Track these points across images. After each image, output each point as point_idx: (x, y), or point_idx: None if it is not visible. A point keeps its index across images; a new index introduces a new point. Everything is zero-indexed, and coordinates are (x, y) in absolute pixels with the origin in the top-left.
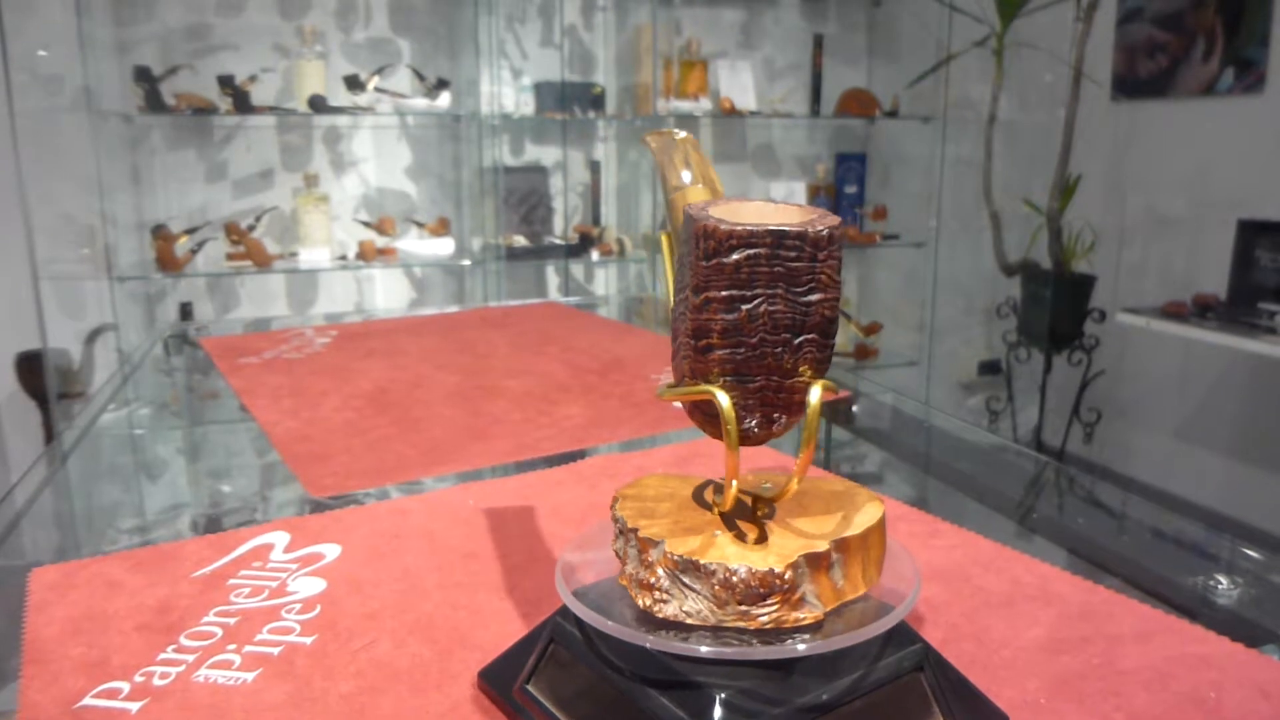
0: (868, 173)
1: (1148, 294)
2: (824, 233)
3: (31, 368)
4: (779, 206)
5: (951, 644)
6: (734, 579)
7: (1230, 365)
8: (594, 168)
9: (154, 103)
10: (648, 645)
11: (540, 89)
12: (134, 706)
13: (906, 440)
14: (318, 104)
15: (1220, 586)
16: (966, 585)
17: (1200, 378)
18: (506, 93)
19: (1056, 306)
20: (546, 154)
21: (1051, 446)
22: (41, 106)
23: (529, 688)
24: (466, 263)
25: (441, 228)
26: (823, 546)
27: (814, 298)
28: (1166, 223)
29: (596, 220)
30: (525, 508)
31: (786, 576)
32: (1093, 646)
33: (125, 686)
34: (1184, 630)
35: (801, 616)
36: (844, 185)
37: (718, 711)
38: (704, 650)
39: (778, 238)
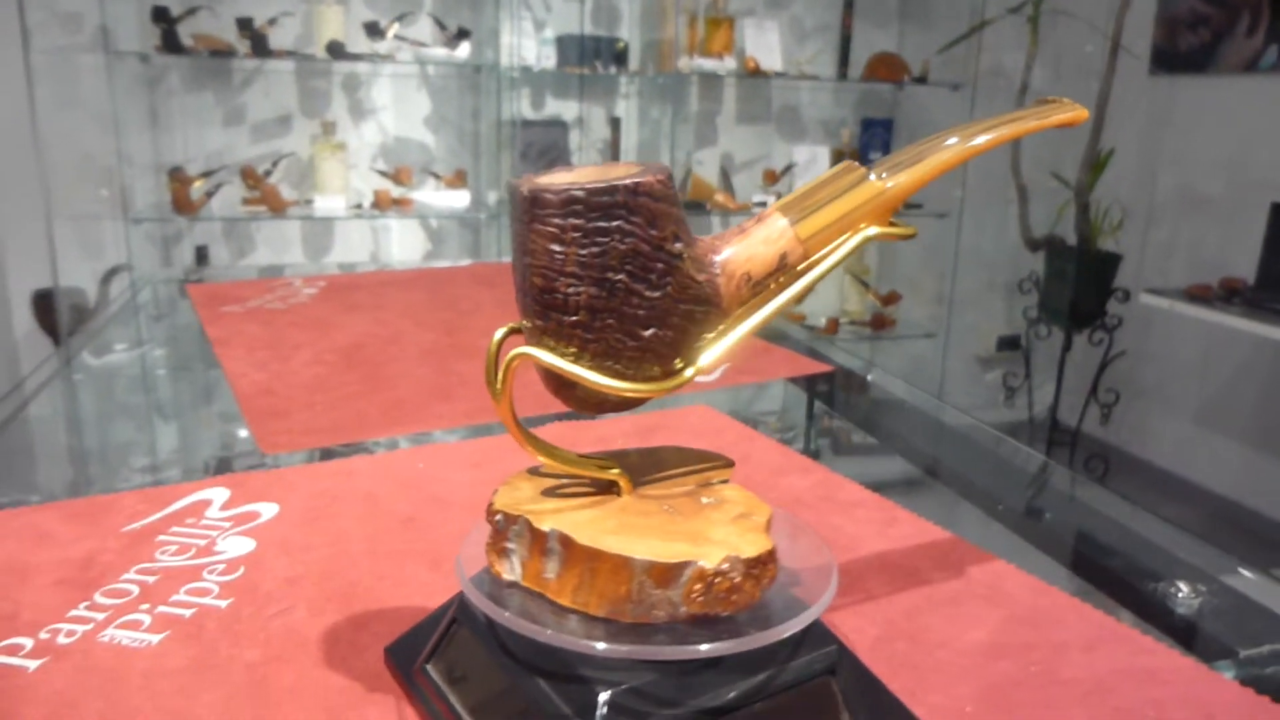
0: (894, 139)
1: (1175, 275)
2: (527, 192)
3: (47, 305)
4: (620, 166)
5: (885, 643)
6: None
7: (1254, 352)
8: (614, 124)
9: (171, 44)
10: (542, 639)
11: (562, 42)
12: (32, 665)
13: (885, 420)
14: (336, 50)
15: (1180, 594)
16: (914, 579)
17: (1223, 363)
18: (528, 45)
19: (1080, 284)
20: (567, 109)
21: (1067, 425)
22: (59, 45)
23: (428, 668)
24: (482, 216)
25: (458, 180)
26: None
27: (526, 260)
28: (1199, 203)
29: None
30: (476, 474)
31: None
32: (1035, 653)
33: (29, 643)
34: (1133, 640)
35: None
36: (869, 151)
37: (602, 710)
38: (600, 648)
39: (529, 199)
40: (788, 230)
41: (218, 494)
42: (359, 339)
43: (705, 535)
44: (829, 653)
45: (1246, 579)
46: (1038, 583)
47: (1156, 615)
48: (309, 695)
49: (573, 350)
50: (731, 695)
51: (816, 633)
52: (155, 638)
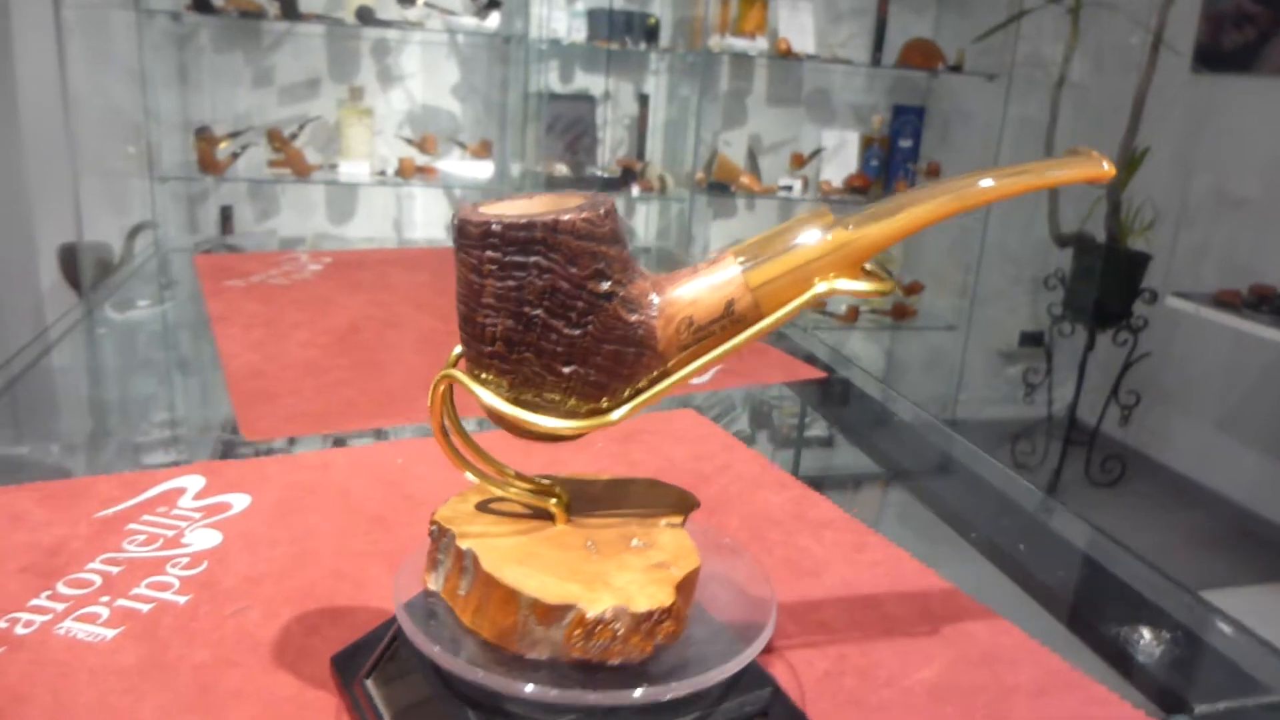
0: (925, 127)
1: (1205, 279)
2: (457, 221)
3: (73, 258)
4: (557, 199)
5: (833, 677)
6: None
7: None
8: (642, 101)
9: (202, 3)
10: (474, 679)
11: (593, 15)
12: None
13: (874, 433)
14: (365, 15)
15: (1142, 641)
16: (873, 610)
17: (1248, 371)
18: (558, 17)
19: (1107, 283)
20: (595, 83)
21: (1086, 425)
22: (90, 0)
23: (368, 683)
24: (505, 188)
25: (484, 150)
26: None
27: (457, 287)
28: (1233, 206)
29: (641, 155)
30: (454, 474)
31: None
32: (983, 696)
33: None
34: (1086, 689)
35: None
36: (899, 138)
37: None
38: (528, 690)
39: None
40: (738, 277)
41: (193, 482)
42: (357, 321)
43: (606, 580)
44: (761, 695)
45: (1218, 628)
46: (999, 620)
47: (1118, 660)
48: (251, 702)
49: (492, 379)
50: None
51: (752, 674)
52: (110, 633)
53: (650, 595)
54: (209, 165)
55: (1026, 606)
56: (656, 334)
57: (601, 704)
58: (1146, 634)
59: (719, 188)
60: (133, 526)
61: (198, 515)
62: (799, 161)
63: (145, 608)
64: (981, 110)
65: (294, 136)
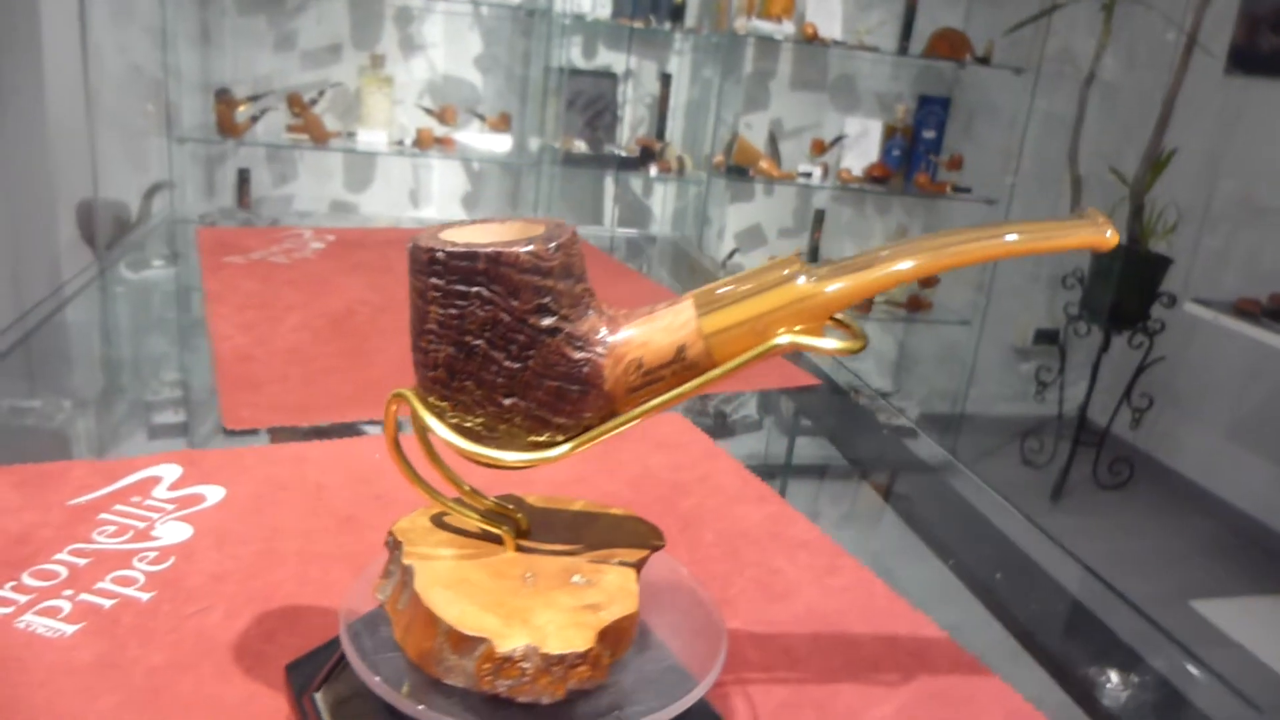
0: (949, 119)
1: (1226, 285)
2: (410, 245)
3: (89, 215)
4: (512, 227)
5: (790, 709)
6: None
7: None
8: (665, 80)
9: None
10: (388, 699)
11: None
12: None
13: (865, 447)
14: None
15: (1109, 685)
16: (838, 639)
17: (1264, 380)
18: None
19: (1125, 285)
20: (618, 60)
21: (1096, 426)
22: None
23: (317, 696)
24: (523, 163)
25: (503, 123)
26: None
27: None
28: (1259, 213)
29: (660, 135)
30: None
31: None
32: None
33: None
34: None
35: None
36: (922, 129)
37: None
38: None
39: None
40: (692, 322)
41: (169, 471)
42: (351, 305)
43: (527, 616)
44: None
45: (1189, 673)
46: (964, 655)
47: (1084, 701)
48: (201, 709)
49: (435, 403)
50: None
51: (699, 711)
52: (70, 629)
53: (566, 638)
54: (228, 128)
55: (998, 640)
56: (604, 373)
57: None
58: (1115, 677)
59: (738, 171)
60: (104, 516)
61: (170, 507)
62: (820, 148)
63: (108, 603)
64: (1007, 104)
65: (314, 102)
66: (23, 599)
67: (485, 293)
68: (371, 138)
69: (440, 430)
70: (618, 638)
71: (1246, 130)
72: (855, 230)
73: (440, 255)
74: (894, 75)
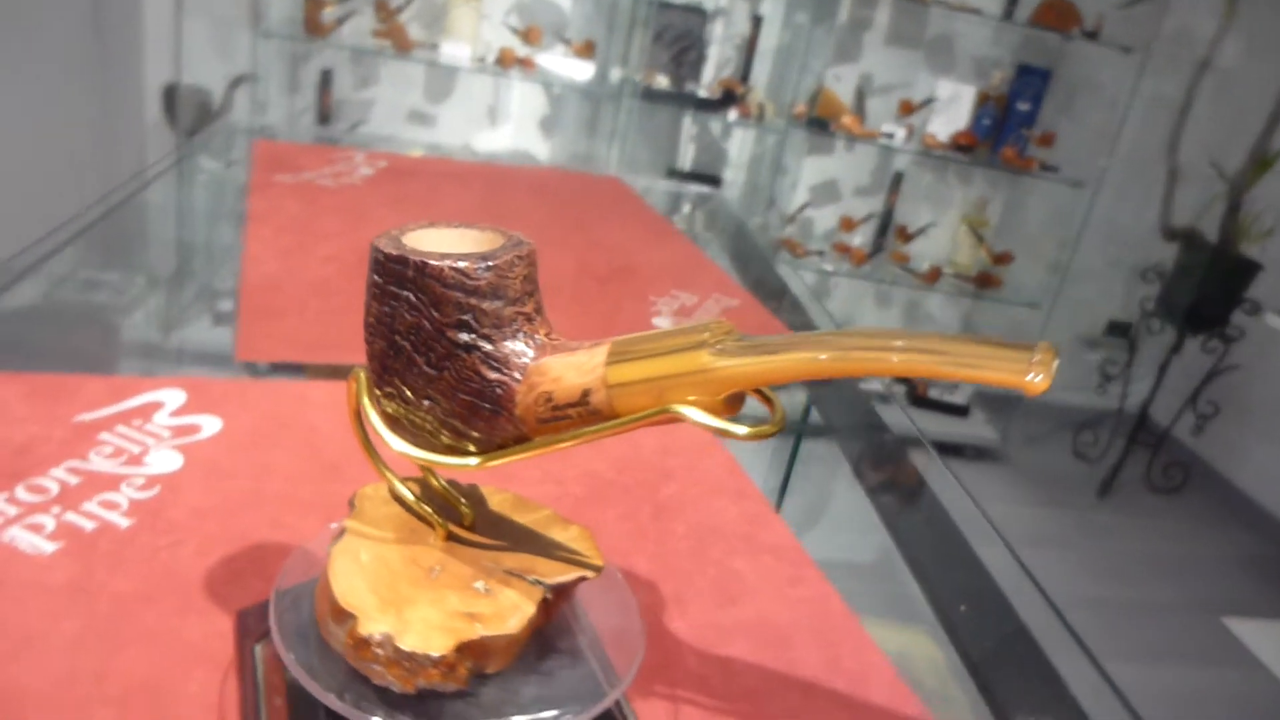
0: (1047, 92)
1: None
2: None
3: (174, 100)
4: (475, 236)
5: None
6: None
7: None
8: (755, 22)
9: None
10: (342, 710)
11: None
12: None
13: (858, 445)
14: None
15: None
16: (780, 655)
17: None
18: None
19: (1208, 286)
20: None
21: (1156, 426)
22: None
23: (257, 649)
24: (603, 93)
25: (587, 50)
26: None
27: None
28: None
29: (744, 79)
30: None
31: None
32: None
33: None
34: None
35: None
36: (1017, 100)
37: None
38: (331, 700)
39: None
40: (600, 369)
41: (173, 397)
42: None
43: (406, 607)
44: None
45: None
46: (901, 686)
47: None
48: (155, 644)
49: (373, 389)
50: None
51: (611, 716)
52: (50, 547)
53: (425, 639)
54: (314, 27)
55: (952, 669)
56: (515, 398)
57: None
58: None
59: (818, 124)
60: (104, 436)
61: (166, 434)
62: (907, 109)
63: (89, 526)
64: (1112, 82)
65: (400, 9)
66: (12, 511)
67: (412, 298)
68: (455, 51)
69: (370, 414)
70: (485, 652)
71: None
72: (934, 197)
73: (379, 255)
74: (995, 40)
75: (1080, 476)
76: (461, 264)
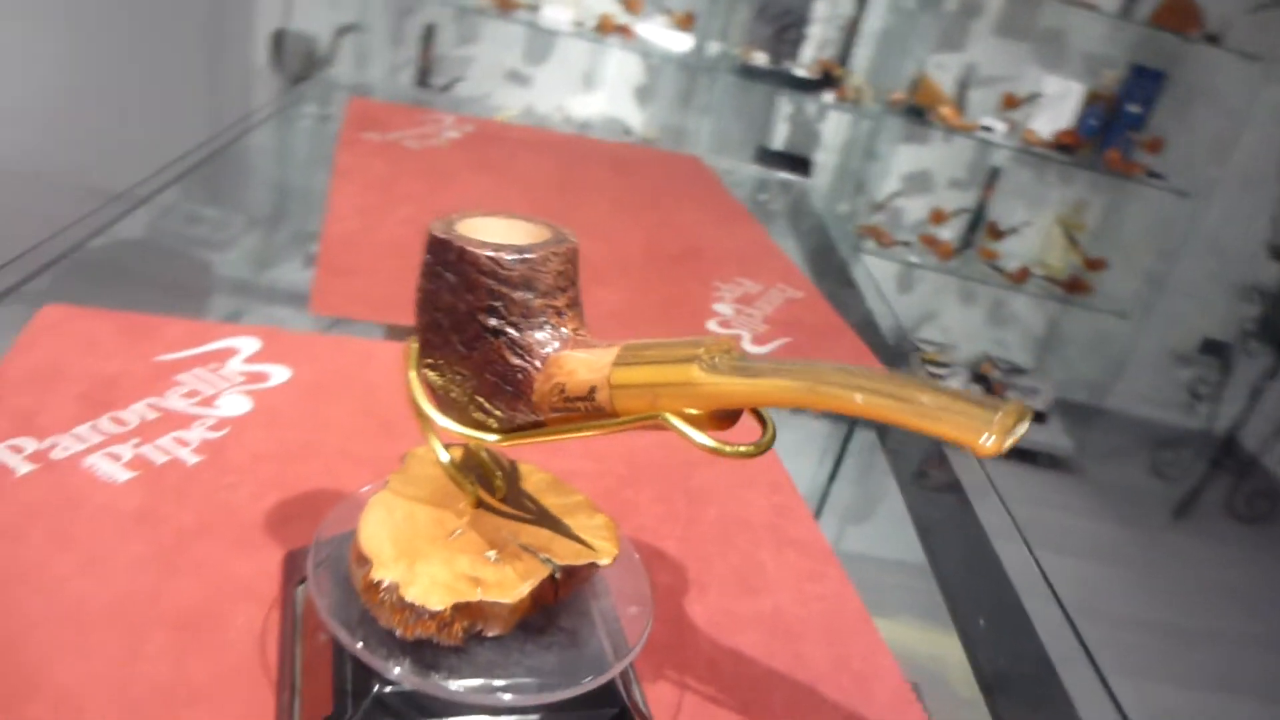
0: (1160, 96)
1: None
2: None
3: (281, 45)
4: (526, 228)
5: (705, 709)
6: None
7: None
8: (861, 3)
9: None
10: (352, 649)
11: None
12: (22, 468)
13: (898, 456)
14: None
15: None
16: (789, 649)
17: None
18: None
19: None
20: None
21: (1245, 452)
22: None
23: (298, 590)
24: (700, 66)
25: (687, 22)
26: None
27: None
28: None
29: (844, 61)
30: None
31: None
32: None
33: (30, 446)
34: None
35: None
36: (1127, 101)
37: (369, 700)
38: (396, 672)
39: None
40: (607, 368)
41: (248, 344)
42: (465, 206)
43: (418, 560)
44: (606, 714)
45: None
46: (905, 689)
47: None
48: (209, 575)
49: (420, 358)
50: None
51: (608, 691)
52: (125, 476)
53: (426, 593)
54: None
55: (960, 680)
56: (534, 385)
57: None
58: None
59: (915, 112)
60: (181, 377)
61: (240, 379)
62: (1011, 103)
63: (160, 459)
64: (1231, 90)
65: None
66: (96, 439)
67: (452, 280)
68: (556, 14)
69: (412, 380)
70: (481, 615)
71: None
72: (1030, 195)
73: (432, 236)
74: (1109, 38)
75: (1156, 495)
76: (497, 253)
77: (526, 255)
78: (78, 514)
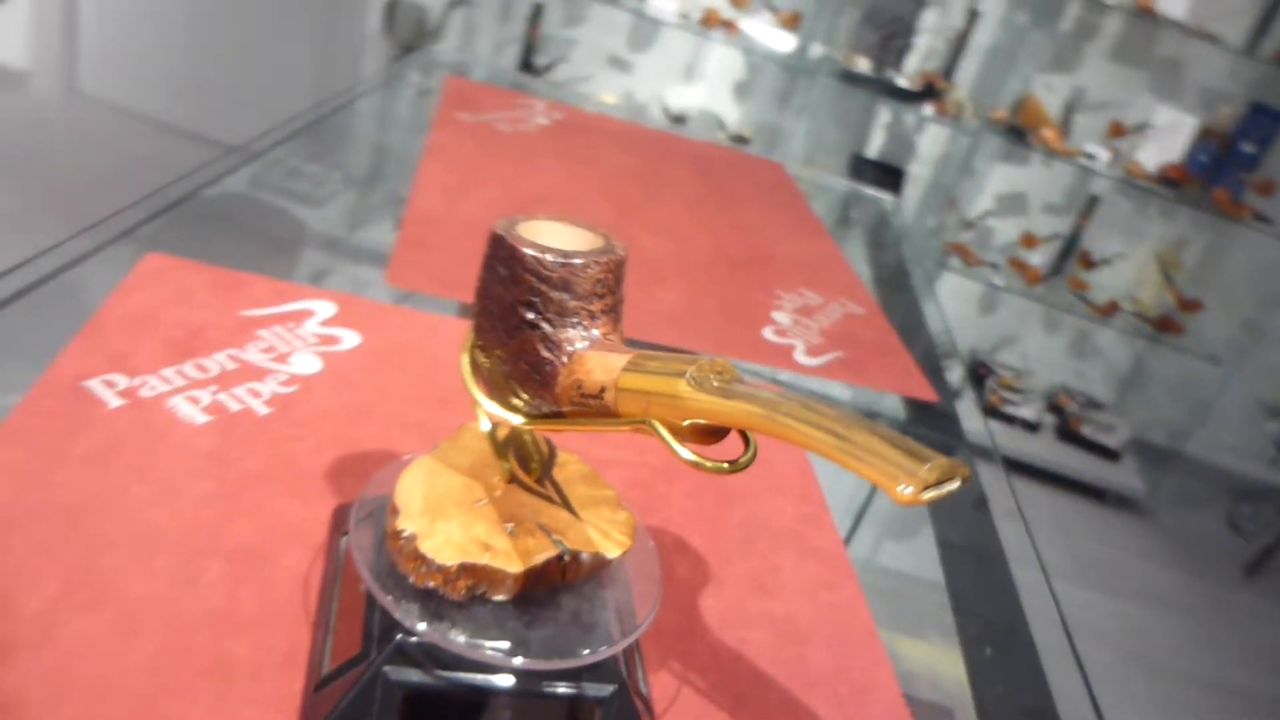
0: (1277, 137)
1: None
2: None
3: (393, 15)
4: (581, 234)
5: (702, 703)
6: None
7: None
8: (970, 17)
9: None
10: (381, 600)
11: None
12: (114, 403)
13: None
14: None
15: None
16: (793, 651)
17: None
18: None
19: None
20: None
21: None
22: None
23: (342, 541)
24: (801, 67)
25: (792, 21)
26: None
27: None
28: None
29: (949, 75)
30: None
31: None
32: None
33: (122, 382)
34: None
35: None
36: (1242, 140)
37: (391, 646)
38: (420, 627)
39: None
40: (618, 371)
41: (325, 307)
42: (544, 194)
43: (440, 518)
44: (605, 688)
45: None
46: (901, 708)
47: None
48: (265, 517)
49: (476, 341)
50: (502, 684)
51: (608, 668)
52: (202, 419)
53: (439, 548)
54: None
55: (959, 705)
56: (558, 379)
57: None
58: None
59: (1016, 132)
60: (261, 332)
61: (314, 340)
62: (1117, 131)
63: (236, 407)
64: None
65: None
66: (180, 382)
67: (502, 273)
68: (662, 4)
69: (464, 359)
70: (484, 578)
71: None
72: (1128, 228)
73: (494, 232)
74: (1229, 73)
75: (1229, 549)
76: (541, 254)
77: (569, 260)
78: (157, 449)
